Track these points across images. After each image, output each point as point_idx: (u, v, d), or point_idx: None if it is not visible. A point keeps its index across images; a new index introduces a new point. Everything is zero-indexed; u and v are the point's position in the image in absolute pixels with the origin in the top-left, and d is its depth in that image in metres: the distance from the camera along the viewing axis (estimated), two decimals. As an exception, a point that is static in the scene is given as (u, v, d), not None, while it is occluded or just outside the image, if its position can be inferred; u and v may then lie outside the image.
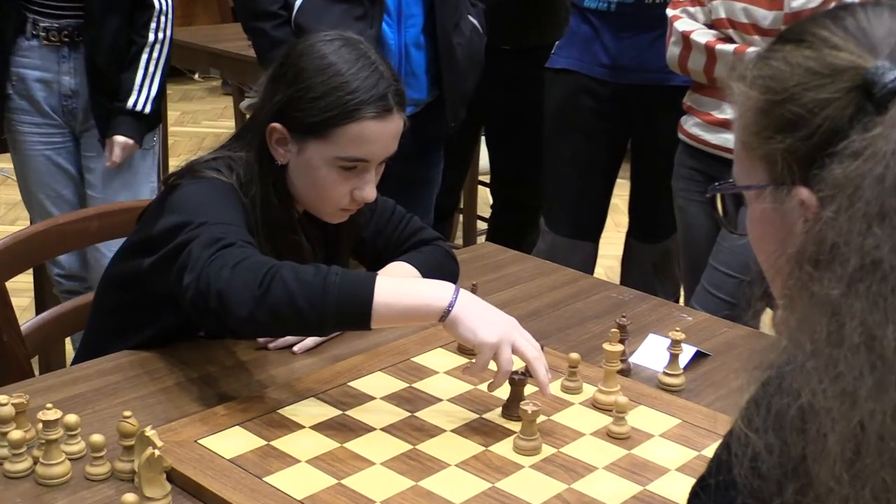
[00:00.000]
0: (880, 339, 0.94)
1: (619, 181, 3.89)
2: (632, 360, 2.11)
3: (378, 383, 1.96)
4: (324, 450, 1.73)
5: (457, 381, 1.98)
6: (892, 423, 0.92)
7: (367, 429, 1.80)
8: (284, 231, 2.08)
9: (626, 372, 2.05)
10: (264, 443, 1.74)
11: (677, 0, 3.20)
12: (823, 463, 0.94)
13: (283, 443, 1.74)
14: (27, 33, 3.32)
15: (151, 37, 3.34)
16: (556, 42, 3.78)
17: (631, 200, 3.96)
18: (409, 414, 1.86)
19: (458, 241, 5.08)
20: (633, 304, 2.42)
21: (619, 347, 1.98)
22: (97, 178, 3.43)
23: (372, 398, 1.91)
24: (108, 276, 2.22)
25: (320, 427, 1.80)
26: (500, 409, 1.88)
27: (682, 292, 3.76)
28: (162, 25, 3.36)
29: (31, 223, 3.38)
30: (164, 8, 3.35)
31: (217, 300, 1.73)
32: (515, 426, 1.80)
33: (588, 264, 3.80)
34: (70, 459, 1.66)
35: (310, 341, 2.08)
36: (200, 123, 7.88)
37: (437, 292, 1.78)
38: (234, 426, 1.78)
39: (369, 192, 2.05)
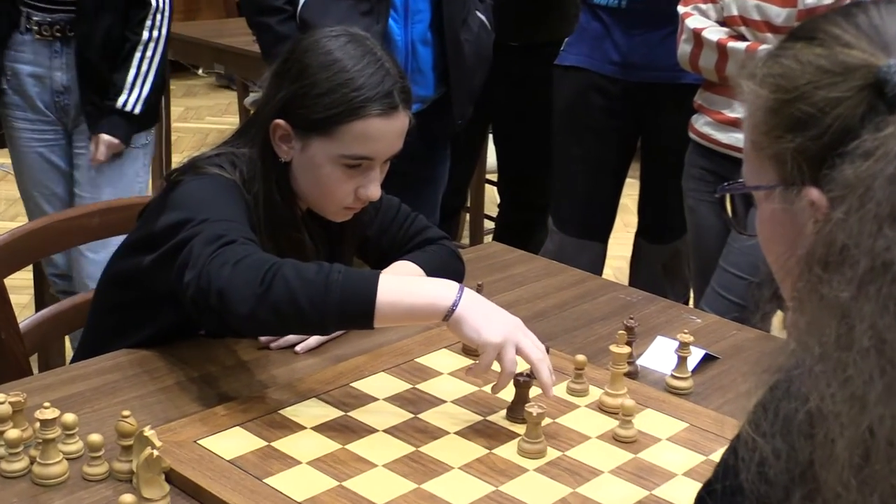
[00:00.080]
0: (890, 343, 0.93)
1: (628, 181, 3.89)
2: (639, 362, 2.11)
3: (381, 384, 1.96)
4: (325, 451, 1.73)
5: (461, 382, 1.98)
6: (902, 428, 0.92)
7: (370, 430, 1.80)
8: (287, 229, 2.08)
9: (633, 374, 2.05)
10: (265, 444, 1.74)
11: (689, -3, 3.19)
12: (831, 468, 0.94)
13: (284, 444, 1.74)
14: (21, 27, 3.32)
15: (146, 35, 3.33)
16: (566, 39, 3.78)
17: (640, 200, 3.96)
18: (412, 415, 1.86)
19: (465, 240, 5.08)
20: (642, 306, 2.41)
21: (627, 349, 1.98)
22: (83, 175, 3.43)
23: (374, 399, 1.91)
24: (108, 273, 2.22)
25: (322, 428, 1.80)
26: (504, 412, 1.88)
27: (691, 294, 3.76)
28: (157, 24, 3.34)
29: (28, 220, 3.39)
30: (160, 6, 3.34)
31: (218, 298, 1.73)
32: (520, 429, 1.80)
33: (596, 265, 3.79)
34: (67, 459, 1.66)
35: (312, 341, 2.08)
36: (204, 119, 7.89)
37: (441, 291, 1.78)
38: (234, 427, 1.78)
39: (374, 191, 2.05)
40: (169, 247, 1.89)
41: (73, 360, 2.16)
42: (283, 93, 2.02)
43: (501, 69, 3.78)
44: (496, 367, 1.79)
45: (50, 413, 1.62)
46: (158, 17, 3.34)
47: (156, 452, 1.56)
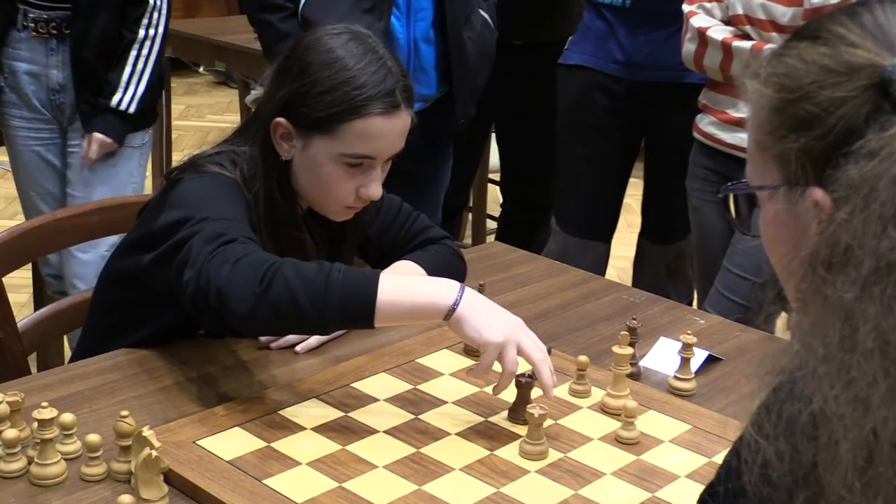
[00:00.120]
0: (894, 345, 0.93)
1: (632, 181, 3.89)
2: (642, 363, 2.11)
3: (381, 385, 1.96)
4: (325, 452, 1.73)
5: (462, 383, 1.98)
6: (906, 430, 0.92)
7: (370, 431, 1.80)
8: (288, 228, 2.08)
9: (635, 376, 2.05)
10: (264, 444, 1.74)
11: (694, -5, 3.19)
12: (835, 471, 0.94)
13: (284, 444, 1.74)
14: (18, 24, 3.32)
15: (142, 33, 3.32)
16: (569, 37, 3.78)
17: (644, 200, 3.96)
18: (412, 416, 1.86)
19: (468, 240, 5.08)
20: (645, 307, 2.41)
21: (629, 350, 1.98)
22: (76, 174, 3.42)
23: (375, 400, 1.91)
24: (107, 272, 2.22)
25: (322, 429, 1.80)
26: (506, 413, 1.88)
27: (695, 295, 3.76)
28: (154, 21, 3.33)
29: (25, 219, 3.39)
30: (157, 4, 3.33)
31: (217, 297, 1.73)
32: (521, 430, 1.80)
33: (600, 265, 3.79)
34: (65, 459, 1.66)
35: (313, 341, 2.08)
36: (205, 117, 7.89)
37: (442, 290, 1.78)
38: (233, 427, 1.78)
39: (375, 190, 2.05)
40: (168, 245, 1.89)
41: (72, 360, 2.16)
42: (284, 91, 2.02)
43: (504, 68, 3.78)
44: (498, 367, 1.79)
45: (48, 413, 1.62)
46: (155, 14, 3.33)
47: (154, 453, 1.56)
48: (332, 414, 1.85)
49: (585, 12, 3.70)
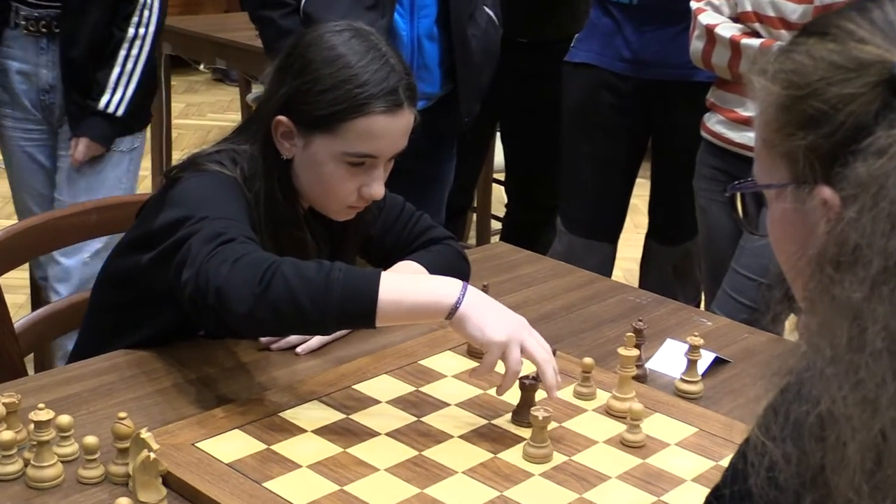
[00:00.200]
0: None
1: (638, 180, 3.89)
2: (648, 365, 2.11)
3: (383, 386, 1.96)
4: (326, 455, 1.73)
5: (465, 385, 1.98)
6: (915, 432, 0.92)
7: (372, 433, 1.80)
8: (289, 228, 2.08)
9: (641, 378, 2.05)
10: (264, 447, 1.74)
11: (702, -8, 3.19)
12: (843, 473, 0.94)
13: (284, 447, 1.74)
14: (11, 22, 3.29)
15: (132, 31, 3.27)
16: (575, 35, 3.78)
17: (651, 200, 3.96)
18: (415, 419, 1.86)
19: (472, 240, 5.08)
20: (651, 308, 2.41)
21: (635, 352, 1.98)
22: (62, 178, 3.38)
23: (377, 402, 1.91)
24: (105, 272, 2.23)
25: (323, 431, 1.80)
26: (509, 415, 1.88)
27: (702, 296, 3.76)
28: (145, 20, 3.28)
29: (18, 219, 3.37)
30: (148, 2, 3.28)
31: (216, 297, 1.73)
32: (525, 433, 1.80)
33: (606, 266, 3.79)
34: (62, 462, 1.66)
35: (314, 342, 2.09)
36: (205, 116, 7.90)
37: (444, 289, 1.78)
38: (233, 429, 1.78)
39: (377, 190, 2.05)
40: (167, 245, 1.89)
41: (69, 361, 2.17)
42: (285, 89, 2.02)
43: (509, 66, 3.79)
44: (501, 368, 1.79)
45: (44, 415, 1.62)
46: (146, 13, 3.28)
47: (153, 455, 1.56)
48: (333, 416, 1.85)
49: (592, 9, 3.70)
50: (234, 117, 7.46)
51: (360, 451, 1.75)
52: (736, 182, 1.25)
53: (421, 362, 2.06)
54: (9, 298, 2.27)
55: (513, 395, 1.85)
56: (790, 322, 1.21)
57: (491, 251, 2.89)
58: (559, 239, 3.90)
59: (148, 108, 3.52)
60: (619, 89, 3.64)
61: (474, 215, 5.08)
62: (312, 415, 1.85)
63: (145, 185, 5.80)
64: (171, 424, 1.78)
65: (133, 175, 3.48)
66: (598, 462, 1.77)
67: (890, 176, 0.97)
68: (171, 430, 1.76)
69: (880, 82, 1.03)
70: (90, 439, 1.63)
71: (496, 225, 5.01)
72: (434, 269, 2.15)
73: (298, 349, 2.08)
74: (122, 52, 3.26)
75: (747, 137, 3.06)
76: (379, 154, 2.02)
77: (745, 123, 3.09)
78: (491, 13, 3.33)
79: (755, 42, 3.00)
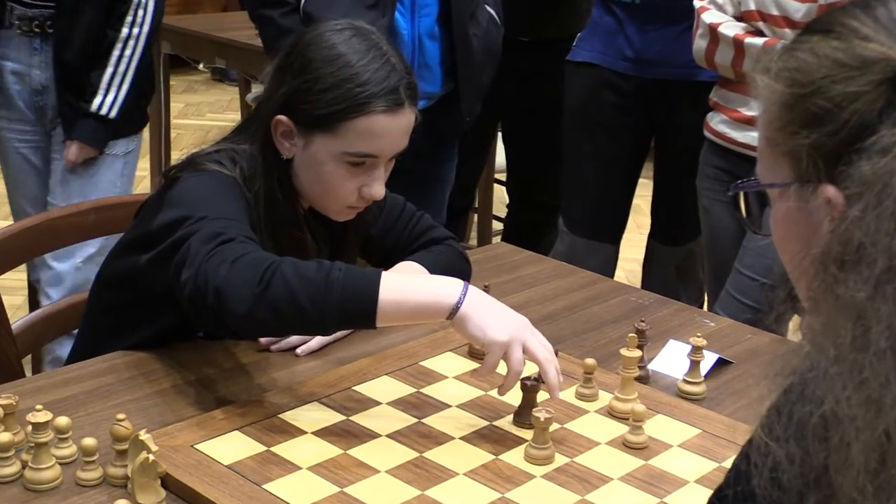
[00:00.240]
0: None
1: (641, 181, 3.89)
2: (650, 366, 2.11)
3: (384, 388, 1.96)
4: (326, 456, 1.73)
5: (467, 386, 1.98)
6: (919, 432, 0.92)
7: (372, 435, 1.80)
8: (289, 228, 2.08)
9: (644, 379, 2.05)
10: (264, 448, 1.74)
11: (705, -10, 3.19)
12: (846, 473, 0.94)
13: (284, 449, 1.74)
14: (5, 22, 3.25)
15: (125, 31, 3.21)
16: (578, 34, 3.78)
17: (654, 201, 3.96)
18: (416, 420, 1.86)
19: (473, 241, 5.08)
20: (654, 309, 2.41)
21: (637, 353, 1.98)
22: (55, 181, 3.34)
23: (378, 403, 1.91)
24: (103, 273, 2.23)
25: (323, 433, 1.80)
26: (511, 417, 1.88)
27: (705, 297, 3.76)
28: (139, 19, 3.23)
29: (14, 220, 3.36)
30: (143, 1, 3.23)
31: (215, 297, 1.74)
32: (527, 434, 1.80)
33: (608, 267, 3.79)
34: (60, 464, 1.66)
35: (314, 343, 2.09)
36: (205, 116, 7.90)
37: (445, 289, 1.78)
38: (232, 431, 1.78)
39: (378, 190, 2.05)
40: (166, 245, 1.90)
41: (67, 362, 2.17)
42: (285, 88, 2.02)
43: (511, 65, 3.79)
44: (502, 369, 1.79)
45: (42, 416, 1.62)
46: (140, 12, 3.23)
47: (151, 457, 1.56)
48: (334, 417, 1.85)
49: (594, 8, 3.70)
50: (233, 117, 7.45)
51: (360, 452, 1.75)
52: (739, 181, 1.25)
53: (422, 363, 2.06)
54: (6, 300, 2.27)
55: (514, 397, 1.86)
56: (793, 323, 1.21)
57: (492, 252, 2.89)
58: (561, 239, 3.90)
59: (143, 110, 3.48)
60: (622, 89, 3.64)
61: (475, 216, 5.08)
62: (312, 416, 1.85)
63: (144, 185, 5.80)
64: (170, 426, 1.78)
65: (128, 179, 3.43)
66: (601, 463, 1.77)
67: (894, 174, 0.97)
68: (170, 431, 1.76)
69: (884, 80, 1.03)
70: (88, 441, 1.63)
71: (497, 225, 5.01)
72: (435, 269, 2.15)
73: (298, 350, 2.08)
74: (116, 53, 3.22)
75: (751, 137, 3.06)
76: (379, 154, 2.02)
77: (749, 123, 3.09)
78: (492, 12, 3.33)
79: (759, 41, 3.00)
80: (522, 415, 1.86)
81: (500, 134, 4.51)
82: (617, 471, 1.75)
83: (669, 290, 3.37)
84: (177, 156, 3.12)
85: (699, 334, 2.06)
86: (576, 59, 3.73)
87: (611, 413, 1.93)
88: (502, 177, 4.78)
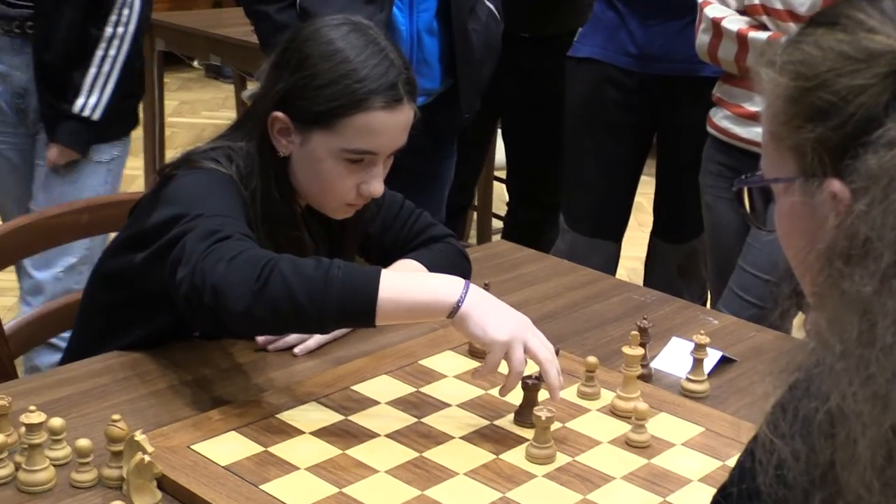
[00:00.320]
0: None
1: (643, 178, 3.89)
2: (653, 364, 2.11)
3: (383, 387, 1.96)
4: (325, 457, 1.73)
5: (467, 385, 1.99)
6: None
7: (371, 435, 1.81)
8: (286, 226, 2.08)
9: (646, 377, 2.05)
10: (262, 449, 1.74)
11: (708, -16, 3.19)
12: (853, 470, 0.94)
13: (282, 449, 1.74)
14: None
15: (109, 30, 3.15)
16: (579, 29, 3.78)
17: (656, 198, 3.96)
18: (415, 420, 1.86)
19: (472, 239, 5.08)
20: (656, 307, 2.42)
21: (640, 351, 1.98)
22: (38, 187, 3.28)
23: (376, 403, 1.91)
24: (97, 272, 2.23)
25: (321, 433, 1.80)
26: (512, 416, 1.88)
27: (708, 295, 3.76)
28: (124, 19, 3.16)
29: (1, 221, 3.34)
30: None
31: (212, 295, 1.74)
32: (528, 433, 1.80)
33: (610, 265, 3.80)
34: (54, 465, 1.66)
35: (312, 342, 2.09)
36: (199, 114, 7.90)
37: (445, 287, 1.78)
38: (229, 431, 1.78)
39: (376, 187, 2.06)
40: (161, 243, 1.90)
41: (61, 363, 2.17)
42: (282, 84, 2.02)
43: (511, 61, 3.79)
44: (504, 368, 1.79)
45: (36, 417, 1.62)
46: (126, 11, 3.16)
47: (147, 458, 1.56)
48: (332, 417, 1.85)
49: (596, 3, 3.70)
50: (228, 115, 7.45)
51: (359, 452, 1.75)
52: (743, 176, 1.26)
53: (421, 362, 2.06)
54: (-1, 300, 2.27)
55: (515, 396, 1.86)
56: (798, 320, 1.21)
57: (492, 249, 2.90)
58: (562, 237, 3.90)
59: (130, 113, 3.41)
60: (624, 84, 3.65)
61: (475, 214, 5.08)
62: (311, 416, 1.85)
63: (137, 184, 5.80)
64: (165, 427, 1.79)
65: (111, 187, 3.35)
66: (603, 463, 1.77)
67: (901, 168, 0.97)
68: (166, 432, 1.76)
69: (891, 73, 1.04)
70: (83, 442, 1.63)
71: (497, 223, 5.01)
72: (434, 267, 2.15)
73: (296, 350, 2.08)
74: (99, 53, 3.16)
75: (754, 133, 3.06)
76: (378, 150, 2.02)
77: (752, 119, 3.10)
78: (492, 7, 3.33)
79: (763, 35, 3.01)
80: (523, 414, 1.86)
81: (499, 131, 4.52)
82: (619, 470, 1.76)
83: (672, 288, 3.37)
84: (171, 154, 3.12)
85: (702, 332, 2.07)
86: (577, 55, 3.73)
87: (613, 412, 1.93)
88: (502, 174, 4.78)
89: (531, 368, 1.81)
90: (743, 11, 3.11)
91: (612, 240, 3.87)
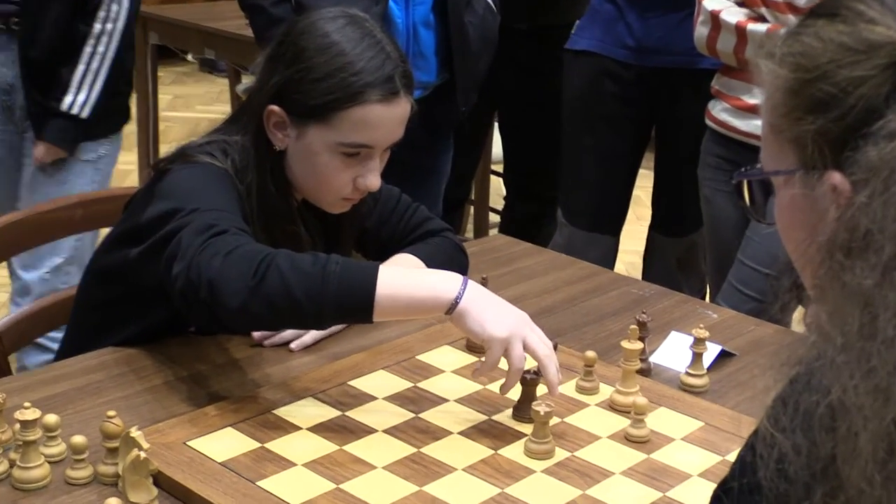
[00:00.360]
0: None
1: (641, 171, 3.89)
2: (652, 359, 2.11)
3: (380, 382, 1.96)
4: (322, 453, 1.73)
5: (464, 380, 1.99)
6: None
7: (369, 430, 1.81)
8: (282, 221, 2.08)
9: (645, 372, 2.05)
10: (258, 445, 1.74)
11: (706, -24, 3.19)
12: (854, 463, 0.94)
13: (279, 445, 1.74)
14: None
15: (97, 26, 3.11)
16: (576, 22, 3.78)
17: (655, 191, 3.96)
18: (413, 415, 1.86)
19: (469, 233, 5.08)
20: (655, 301, 2.42)
21: (639, 345, 1.98)
22: (24, 186, 3.26)
23: (374, 398, 1.91)
24: (92, 267, 2.23)
25: (318, 429, 1.80)
26: (510, 411, 1.88)
27: (707, 289, 3.76)
28: (112, 14, 3.12)
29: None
30: None
31: (208, 290, 1.73)
32: (527, 428, 1.81)
33: (608, 259, 3.80)
34: (49, 462, 1.66)
35: (308, 338, 2.09)
36: (194, 108, 7.89)
37: (444, 283, 1.78)
38: (225, 427, 1.78)
39: (373, 181, 2.05)
40: (157, 238, 1.89)
41: (56, 359, 2.16)
42: (277, 78, 2.02)
43: (508, 54, 3.79)
44: (503, 364, 1.79)
45: (30, 414, 1.61)
46: (114, 6, 3.12)
47: (143, 454, 1.56)
48: (329, 413, 1.85)
49: (593, -5, 3.70)
50: (222, 109, 7.44)
51: (356, 448, 1.75)
52: (742, 169, 1.26)
53: (418, 357, 2.06)
54: (-8, 296, 2.27)
55: (513, 391, 1.85)
56: (797, 314, 1.22)
57: (490, 244, 2.89)
58: (560, 231, 3.90)
59: (119, 110, 3.37)
60: (622, 77, 3.64)
61: (471, 208, 5.08)
62: (307, 412, 1.85)
63: (132, 179, 5.79)
64: (161, 423, 1.78)
65: (99, 186, 3.29)
66: (602, 458, 1.77)
67: (902, 160, 0.97)
68: (162, 428, 1.76)
69: (891, 64, 1.04)
70: (78, 439, 1.63)
71: (494, 218, 5.01)
72: (432, 261, 2.15)
73: (292, 345, 2.08)
74: (88, 49, 3.11)
75: (753, 126, 3.06)
76: (375, 144, 2.02)
77: (751, 111, 3.09)
78: (488, -1, 3.34)
79: (761, 27, 3.00)
80: (522, 409, 1.86)
81: (496, 125, 4.51)
82: (618, 465, 1.76)
83: (671, 282, 3.37)
84: (165, 149, 3.09)
85: (701, 326, 2.07)
86: (574, 48, 3.73)
87: (612, 406, 1.93)
88: (499, 168, 4.78)
89: (529, 363, 1.81)
90: (741, 3, 3.10)
91: (611, 234, 3.87)
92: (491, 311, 1.78)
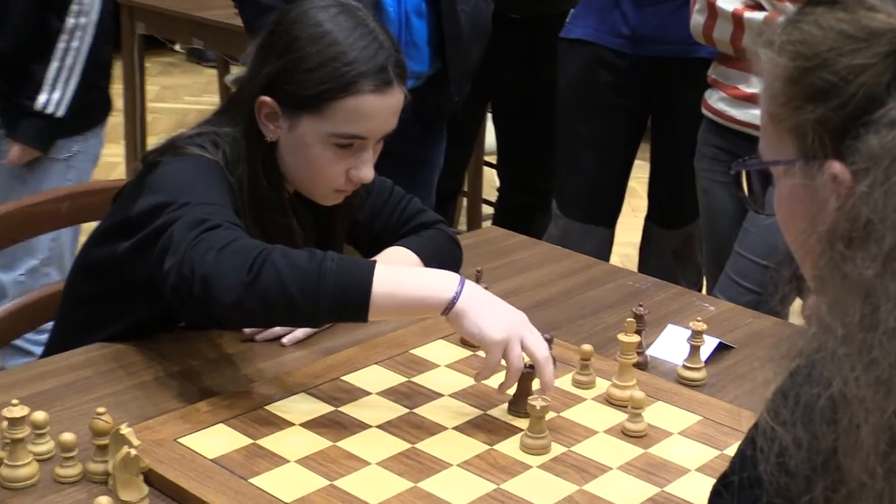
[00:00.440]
0: None
1: (637, 162, 3.89)
2: (649, 352, 2.11)
3: (374, 377, 1.97)
4: (315, 449, 1.73)
5: (459, 375, 1.99)
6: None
7: (362, 426, 1.81)
8: (274, 213, 2.08)
9: (642, 365, 2.05)
10: (250, 441, 1.74)
11: (702, -37, 3.19)
12: (856, 456, 0.95)
13: (271, 441, 1.75)
14: None
15: (71, 21, 3.05)
16: (571, 10, 3.78)
17: (651, 183, 3.96)
18: (407, 410, 1.87)
19: (462, 225, 5.08)
20: (652, 293, 2.42)
21: (636, 338, 1.99)
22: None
23: (367, 393, 1.91)
24: (80, 262, 2.22)
25: (311, 424, 1.80)
26: (505, 405, 1.88)
27: (704, 281, 3.76)
28: (85, 8, 3.06)
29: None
30: None
31: (201, 286, 1.73)
32: (522, 423, 1.81)
33: (603, 251, 3.80)
34: (38, 460, 1.66)
35: (300, 333, 2.09)
36: (182, 99, 7.88)
37: (441, 283, 1.78)
38: (217, 424, 1.78)
39: (366, 172, 2.05)
40: (147, 232, 1.89)
41: (44, 355, 2.16)
42: (269, 68, 2.01)
43: (501, 43, 3.78)
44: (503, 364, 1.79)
45: (18, 411, 1.61)
46: (86, 0, 3.07)
47: (133, 452, 1.56)
48: (322, 409, 1.85)
49: (589, -17, 3.70)
50: (211, 100, 7.43)
51: (350, 444, 1.75)
52: (741, 159, 1.26)
53: (412, 352, 2.06)
54: (-21, 291, 2.27)
55: (509, 385, 1.86)
56: (794, 306, 1.22)
57: (484, 236, 2.90)
58: (555, 223, 3.90)
59: (96, 105, 3.29)
60: (617, 67, 3.64)
61: (465, 200, 5.08)
62: (300, 407, 1.85)
63: (119, 171, 5.79)
64: (152, 419, 1.78)
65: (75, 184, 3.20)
66: (599, 452, 1.78)
67: (903, 148, 0.98)
68: (153, 425, 1.76)
69: (892, 52, 1.04)
70: (67, 436, 1.63)
71: (487, 209, 5.01)
72: (425, 254, 2.15)
73: (284, 340, 2.08)
74: (61, 45, 3.05)
75: (751, 115, 3.06)
76: (368, 135, 2.02)
77: (749, 100, 3.09)
78: (481, -12, 3.33)
79: (759, 16, 3.00)
80: (517, 403, 1.87)
81: (489, 116, 4.51)
82: (616, 460, 1.76)
83: (667, 274, 3.37)
84: (153, 141, 3.08)
85: (699, 318, 2.07)
86: (569, 37, 3.73)
87: (609, 400, 1.93)
88: (492, 159, 4.78)
89: (525, 358, 1.81)
90: (739, -9, 3.10)
91: (606, 225, 3.87)
92: (488, 312, 1.78)
